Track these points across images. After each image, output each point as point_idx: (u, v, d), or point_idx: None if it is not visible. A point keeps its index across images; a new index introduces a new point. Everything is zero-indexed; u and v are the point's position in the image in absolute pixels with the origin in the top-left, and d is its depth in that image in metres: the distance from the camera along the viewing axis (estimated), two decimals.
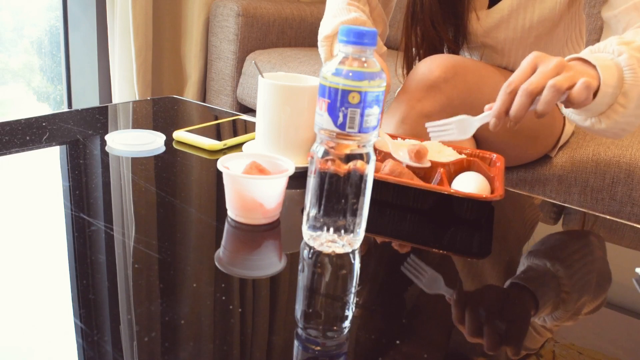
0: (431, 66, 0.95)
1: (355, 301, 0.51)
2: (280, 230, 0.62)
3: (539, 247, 0.67)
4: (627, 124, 0.77)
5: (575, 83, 0.68)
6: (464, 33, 1.04)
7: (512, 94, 0.70)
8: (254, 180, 0.59)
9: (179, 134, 0.87)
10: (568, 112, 0.82)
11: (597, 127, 0.78)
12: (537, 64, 0.71)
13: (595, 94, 0.73)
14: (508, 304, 0.53)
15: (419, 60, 1.06)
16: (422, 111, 0.95)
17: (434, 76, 0.94)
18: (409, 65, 1.09)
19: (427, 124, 0.75)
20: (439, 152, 0.79)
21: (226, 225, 0.61)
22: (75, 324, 0.43)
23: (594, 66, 0.74)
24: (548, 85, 0.67)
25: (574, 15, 1.04)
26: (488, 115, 0.71)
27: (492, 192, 0.70)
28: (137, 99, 1.79)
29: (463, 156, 0.78)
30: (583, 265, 0.63)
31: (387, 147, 0.76)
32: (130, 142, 0.83)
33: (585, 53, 0.78)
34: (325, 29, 0.97)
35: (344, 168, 0.54)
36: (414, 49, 1.07)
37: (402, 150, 0.74)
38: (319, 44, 0.99)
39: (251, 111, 1.85)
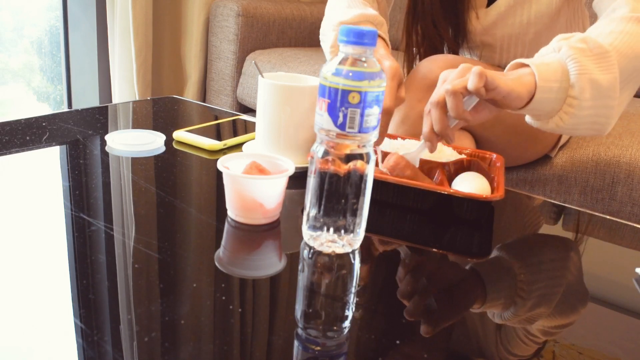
0: (432, 66, 0.95)
1: (355, 301, 0.51)
2: (280, 230, 0.62)
3: (537, 243, 0.67)
4: (595, 116, 0.74)
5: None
6: (463, 32, 1.04)
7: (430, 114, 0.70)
8: (254, 180, 0.59)
9: (179, 134, 0.87)
10: (529, 120, 0.79)
11: (562, 127, 0.75)
12: (445, 78, 0.72)
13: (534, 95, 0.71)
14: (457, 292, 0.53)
15: (420, 59, 1.06)
16: (422, 111, 0.95)
17: (434, 76, 0.94)
18: (409, 64, 1.09)
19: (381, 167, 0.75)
20: (439, 152, 0.79)
21: (226, 225, 0.61)
22: (75, 324, 0.43)
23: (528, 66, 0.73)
24: (444, 92, 0.67)
25: (575, 10, 1.03)
26: (423, 143, 0.72)
27: (492, 192, 0.70)
28: (137, 99, 1.79)
29: (463, 156, 0.78)
30: (555, 274, 0.63)
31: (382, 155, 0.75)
32: (130, 142, 0.83)
33: (526, 59, 0.77)
34: (341, 15, 0.92)
35: (344, 168, 0.54)
36: (414, 48, 1.07)
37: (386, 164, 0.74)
38: (330, 28, 0.93)
39: (251, 111, 1.85)
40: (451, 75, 0.71)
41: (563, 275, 0.60)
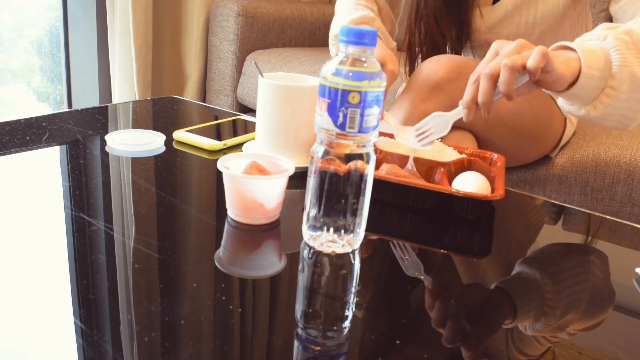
0: (435, 66, 0.95)
1: (355, 301, 0.51)
2: (280, 230, 0.62)
3: (536, 254, 0.67)
4: (626, 109, 0.75)
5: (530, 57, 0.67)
6: (467, 30, 1.04)
7: (477, 83, 0.69)
8: (254, 180, 0.59)
9: (179, 134, 0.87)
10: (561, 103, 0.80)
11: (593, 115, 0.76)
12: (498, 50, 0.71)
13: (576, 80, 0.72)
14: (487, 307, 0.53)
15: (422, 58, 1.06)
16: (425, 111, 0.95)
17: (438, 76, 0.94)
18: (411, 64, 1.09)
19: (414, 129, 0.75)
20: (440, 152, 0.79)
21: (226, 225, 0.61)
22: (75, 324, 0.43)
23: (575, 51, 0.73)
24: (502, 65, 0.67)
25: (580, 12, 1.03)
26: (460, 109, 0.71)
27: (493, 191, 0.70)
28: (137, 99, 1.79)
29: (464, 156, 0.78)
30: (576, 279, 0.63)
31: (391, 128, 0.75)
32: (130, 142, 0.83)
33: (573, 43, 0.77)
34: (336, 28, 1.00)
35: (344, 168, 0.54)
36: (417, 48, 1.07)
37: (406, 132, 0.73)
38: (330, 42, 1.03)
39: (251, 111, 1.85)
40: (507, 47, 0.69)
41: (587, 279, 0.60)
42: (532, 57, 0.66)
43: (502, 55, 0.69)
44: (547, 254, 0.65)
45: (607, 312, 0.54)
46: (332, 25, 1.05)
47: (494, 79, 0.68)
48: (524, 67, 0.66)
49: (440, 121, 0.71)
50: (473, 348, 0.46)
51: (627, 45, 0.73)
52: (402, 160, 0.76)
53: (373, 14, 0.98)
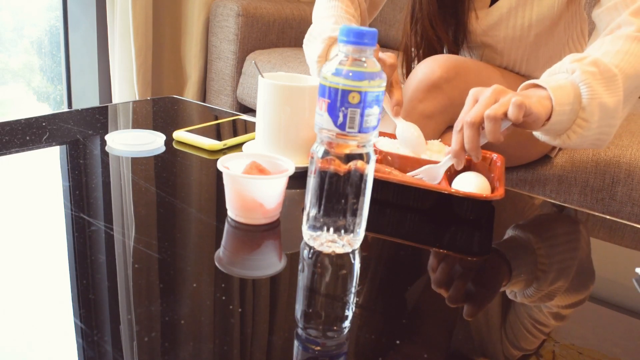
0: (433, 66, 0.95)
1: (355, 301, 0.51)
2: (280, 230, 0.62)
3: (538, 241, 0.67)
4: (600, 134, 0.79)
5: (509, 106, 0.69)
6: (463, 32, 1.04)
7: (462, 132, 0.71)
8: (254, 180, 0.59)
9: (179, 134, 0.87)
10: (537, 134, 0.83)
11: (568, 143, 0.79)
12: (477, 97, 0.73)
13: (549, 118, 0.74)
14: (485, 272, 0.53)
15: (418, 60, 1.06)
16: (423, 112, 0.95)
17: (435, 76, 0.94)
18: (408, 65, 1.09)
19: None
20: (440, 152, 0.79)
21: (226, 225, 0.61)
22: (75, 324, 0.43)
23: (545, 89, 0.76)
24: (485, 117, 0.69)
25: (574, 14, 1.04)
26: (449, 158, 0.73)
27: (493, 191, 0.70)
28: (137, 99, 1.79)
29: None
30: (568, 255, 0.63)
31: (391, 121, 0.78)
32: (130, 142, 0.83)
33: (543, 77, 0.80)
34: (318, 42, 0.92)
35: (344, 168, 0.54)
36: (413, 49, 1.07)
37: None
38: (316, 60, 0.93)
39: (251, 111, 1.85)
40: (484, 94, 0.72)
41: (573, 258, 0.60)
42: (511, 110, 0.68)
43: (481, 103, 0.71)
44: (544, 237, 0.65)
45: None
46: (310, 37, 0.95)
47: (477, 126, 0.70)
48: (505, 115, 0.69)
49: (432, 172, 0.73)
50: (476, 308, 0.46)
51: (594, 77, 0.75)
52: (402, 160, 0.77)
53: (347, 15, 0.95)
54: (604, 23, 0.88)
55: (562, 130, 0.78)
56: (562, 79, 0.77)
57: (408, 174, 0.75)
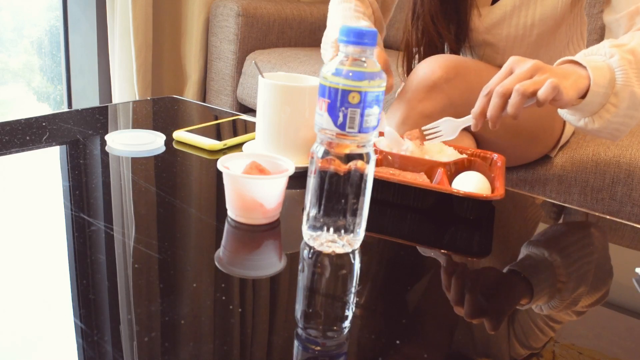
0: (433, 66, 0.95)
1: (355, 301, 0.51)
2: (280, 230, 0.62)
3: (539, 241, 0.67)
4: (620, 124, 0.79)
5: (542, 86, 0.70)
6: (465, 30, 1.04)
7: (489, 97, 0.73)
8: (254, 180, 0.59)
9: (179, 134, 0.87)
10: (563, 112, 0.84)
11: (591, 127, 0.80)
12: (513, 68, 0.74)
13: (585, 94, 0.75)
14: (503, 288, 0.53)
15: (419, 58, 1.06)
16: (423, 112, 0.95)
17: (435, 76, 0.94)
18: (408, 64, 1.09)
19: (423, 128, 0.80)
20: (440, 152, 0.79)
21: (226, 225, 0.61)
22: (75, 324, 0.43)
23: (585, 67, 0.76)
24: (514, 89, 0.70)
25: (576, 16, 1.03)
26: (470, 117, 0.75)
27: (493, 191, 0.70)
28: (137, 99, 1.79)
29: (464, 156, 0.78)
30: (582, 259, 0.63)
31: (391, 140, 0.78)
32: (130, 142, 0.83)
33: (578, 56, 0.81)
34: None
35: (344, 168, 0.54)
36: (414, 48, 1.07)
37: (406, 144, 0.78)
38: (330, 45, 0.99)
39: (251, 111, 1.85)
40: (522, 67, 0.73)
41: (589, 262, 0.60)
42: (544, 90, 0.69)
43: (516, 75, 0.72)
44: (549, 239, 0.65)
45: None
46: (327, 31, 1.03)
47: (505, 97, 0.71)
48: (534, 94, 0.69)
49: (450, 126, 0.75)
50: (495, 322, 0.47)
51: (630, 65, 0.76)
52: (402, 160, 0.77)
53: (371, 23, 0.99)
54: (624, 28, 0.89)
55: (590, 112, 0.78)
56: (599, 61, 0.77)
57: (426, 126, 0.77)
